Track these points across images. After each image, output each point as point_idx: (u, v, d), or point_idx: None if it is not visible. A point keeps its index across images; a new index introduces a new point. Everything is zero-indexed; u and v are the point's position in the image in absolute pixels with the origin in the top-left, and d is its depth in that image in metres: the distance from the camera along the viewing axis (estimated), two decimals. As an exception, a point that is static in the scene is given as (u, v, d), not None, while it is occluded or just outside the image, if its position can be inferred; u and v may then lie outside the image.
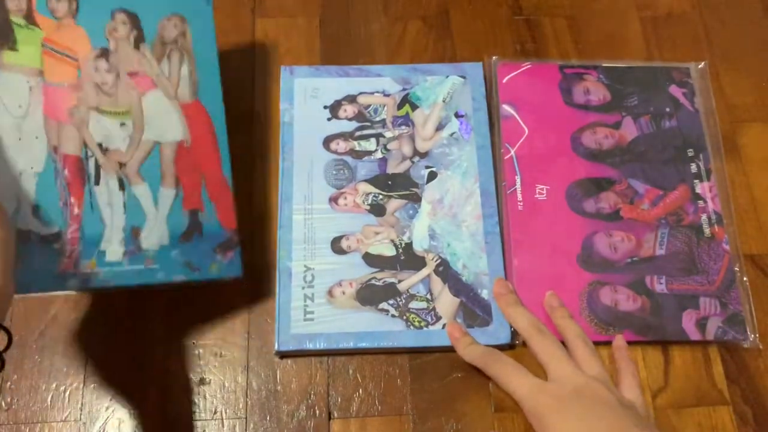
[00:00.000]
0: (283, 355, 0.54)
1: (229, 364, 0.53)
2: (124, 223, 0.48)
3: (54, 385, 0.53)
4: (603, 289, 0.55)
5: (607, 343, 0.54)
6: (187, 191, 0.50)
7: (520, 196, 0.58)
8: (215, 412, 0.52)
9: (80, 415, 0.52)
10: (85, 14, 0.50)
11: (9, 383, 0.53)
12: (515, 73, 0.63)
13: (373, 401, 0.53)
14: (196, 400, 0.52)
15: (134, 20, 0.51)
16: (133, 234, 0.48)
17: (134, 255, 0.48)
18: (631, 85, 0.63)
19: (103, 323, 0.55)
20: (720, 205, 0.59)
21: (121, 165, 0.49)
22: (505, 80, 0.63)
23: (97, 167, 0.48)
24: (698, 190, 0.59)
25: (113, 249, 0.48)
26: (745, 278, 0.56)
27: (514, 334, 0.54)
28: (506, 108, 0.62)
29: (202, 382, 0.53)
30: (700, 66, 0.64)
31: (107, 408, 0.52)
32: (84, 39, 0.50)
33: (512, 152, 0.60)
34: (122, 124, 0.49)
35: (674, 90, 0.63)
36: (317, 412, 0.52)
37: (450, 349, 0.53)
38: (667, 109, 0.62)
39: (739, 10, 0.70)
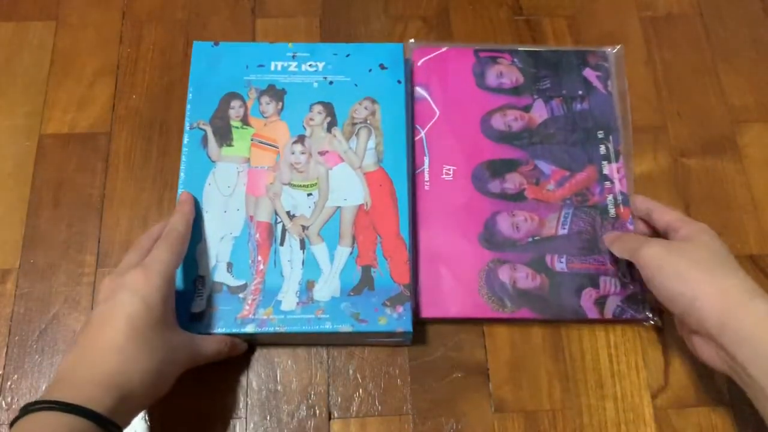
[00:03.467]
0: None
1: (229, 364, 0.53)
2: (301, 277, 0.54)
3: (54, 385, 0.53)
4: (502, 267, 0.56)
5: (505, 321, 0.55)
6: (362, 249, 0.55)
7: (427, 176, 0.59)
8: (215, 412, 0.52)
9: (80, 414, 0.52)
10: (289, 111, 0.59)
11: (9, 383, 0.53)
12: (430, 56, 0.64)
13: (373, 401, 0.53)
14: (196, 400, 0.52)
15: (329, 109, 0.59)
16: (307, 287, 0.54)
17: (306, 305, 0.53)
18: (544, 68, 0.64)
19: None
20: (627, 185, 0.59)
21: (304, 228, 0.55)
22: (420, 63, 0.63)
23: (284, 231, 0.55)
24: (606, 171, 0.60)
25: (288, 299, 0.53)
26: None
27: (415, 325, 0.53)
28: (419, 90, 0.62)
29: (202, 381, 0.53)
30: (615, 50, 0.65)
31: (107, 408, 0.52)
32: (285, 130, 0.59)
33: (422, 133, 0.60)
34: (309, 195, 0.56)
35: (588, 73, 0.63)
36: (317, 412, 0.52)
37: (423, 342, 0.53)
38: (580, 92, 0.63)
39: (739, 10, 0.70)
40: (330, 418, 0.52)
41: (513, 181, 0.59)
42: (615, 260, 0.56)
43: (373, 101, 0.60)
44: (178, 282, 0.52)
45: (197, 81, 0.60)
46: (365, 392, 0.53)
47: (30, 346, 0.54)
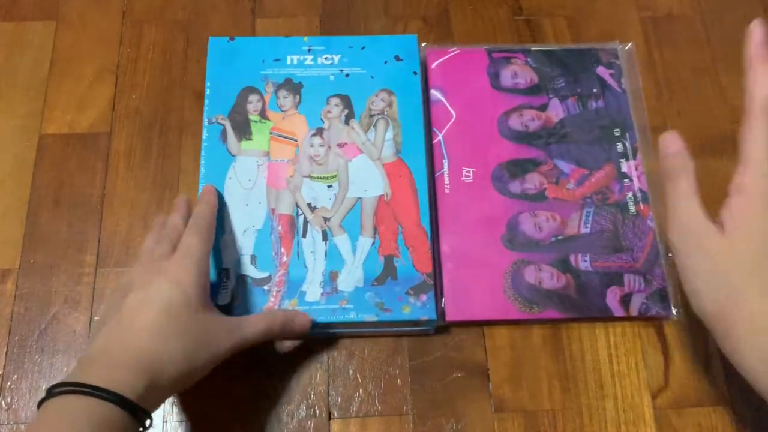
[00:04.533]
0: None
1: (229, 363, 0.53)
2: (324, 268, 0.54)
3: (54, 385, 0.53)
4: (527, 267, 0.56)
5: (532, 321, 0.55)
6: (384, 239, 0.55)
7: (447, 179, 0.59)
8: (216, 413, 0.52)
9: (80, 414, 0.52)
10: (306, 104, 0.60)
11: (9, 383, 0.53)
12: (444, 58, 0.64)
13: (373, 401, 0.53)
14: (196, 400, 0.52)
15: (346, 101, 0.60)
16: (331, 277, 0.54)
17: (330, 296, 0.53)
18: (558, 67, 0.64)
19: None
20: (646, 183, 0.59)
21: (326, 219, 0.56)
22: (433, 66, 0.63)
23: (305, 223, 0.56)
24: (624, 168, 0.60)
25: (313, 290, 0.54)
26: (669, 254, 0.55)
27: (440, 315, 0.54)
28: (435, 93, 0.62)
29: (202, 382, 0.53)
30: (627, 47, 0.65)
31: (107, 408, 0.52)
32: (303, 123, 0.59)
33: (440, 136, 0.60)
34: (329, 186, 0.57)
35: (602, 71, 0.64)
36: (317, 412, 0.52)
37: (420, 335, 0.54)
38: (594, 90, 0.63)
39: (739, 10, 0.70)
40: (330, 418, 0.52)
41: (533, 181, 0.59)
42: (638, 258, 0.56)
43: (390, 93, 0.60)
44: None
45: (214, 76, 0.60)
46: (365, 392, 0.53)
47: (30, 346, 0.54)
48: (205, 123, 0.59)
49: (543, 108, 0.62)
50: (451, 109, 0.61)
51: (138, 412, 0.40)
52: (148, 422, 0.42)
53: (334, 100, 0.60)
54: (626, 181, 0.59)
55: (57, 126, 0.62)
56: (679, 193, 0.47)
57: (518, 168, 0.59)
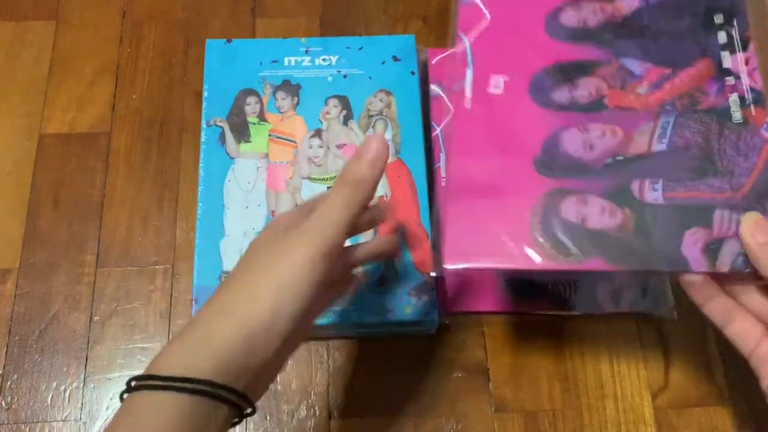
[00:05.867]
0: None
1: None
2: None
3: (54, 385, 0.53)
4: (566, 199, 0.42)
5: (567, 274, 0.48)
6: None
7: (469, 92, 0.47)
8: (215, 412, 0.52)
9: (80, 414, 0.52)
10: (305, 106, 0.59)
11: (9, 383, 0.53)
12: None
13: (373, 401, 0.53)
14: (196, 400, 0.52)
15: (345, 102, 0.60)
16: None
17: None
18: None
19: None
20: (761, 81, 0.45)
21: None
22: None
23: None
24: (727, 64, 0.45)
25: None
26: None
27: (441, 315, 0.53)
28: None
29: (202, 381, 0.53)
30: None
31: (107, 407, 0.52)
32: (302, 125, 0.59)
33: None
34: (329, 188, 0.56)
35: None
36: (317, 412, 0.52)
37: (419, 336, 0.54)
38: None
39: (740, 10, 0.70)
40: (330, 418, 0.52)
41: (587, 87, 0.45)
42: (741, 184, 0.42)
43: (388, 93, 0.60)
44: (204, 279, 0.52)
45: (212, 78, 0.60)
46: (365, 392, 0.53)
47: (30, 346, 0.54)
48: (203, 125, 0.59)
49: None
50: (485, 10, 0.48)
51: (229, 394, 0.34)
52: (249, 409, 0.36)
53: (333, 101, 0.60)
54: (729, 79, 0.45)
55: (57, 126, 0.62)
56: (726, 306, 0.40)
57: (568, 72, 0.46)
